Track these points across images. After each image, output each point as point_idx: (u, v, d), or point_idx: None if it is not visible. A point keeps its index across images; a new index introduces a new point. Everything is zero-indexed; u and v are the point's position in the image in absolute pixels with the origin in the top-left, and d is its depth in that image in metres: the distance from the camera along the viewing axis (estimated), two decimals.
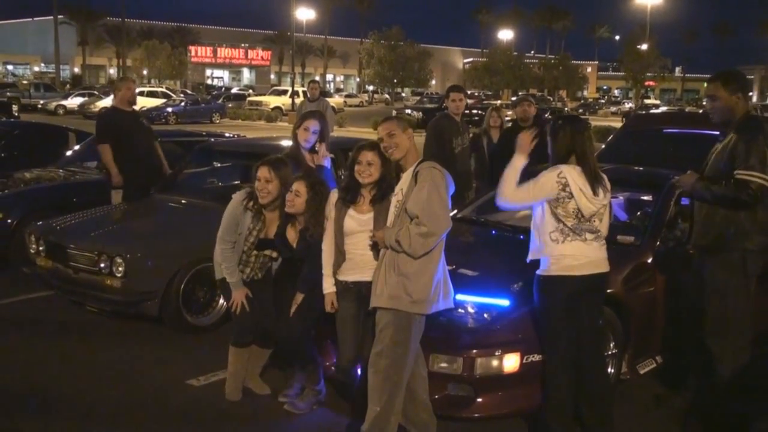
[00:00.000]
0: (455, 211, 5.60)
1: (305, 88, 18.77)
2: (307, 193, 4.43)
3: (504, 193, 4.13)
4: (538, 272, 4.18)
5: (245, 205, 4.61)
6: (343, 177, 6.54)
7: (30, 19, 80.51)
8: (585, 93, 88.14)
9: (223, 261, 4.63)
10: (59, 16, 66.55)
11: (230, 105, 45.40)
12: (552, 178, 4.06)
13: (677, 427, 4.61)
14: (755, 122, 4.33)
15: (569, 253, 4.07)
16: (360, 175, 4.11)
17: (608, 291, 4.50)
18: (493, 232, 4.95)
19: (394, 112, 37.97)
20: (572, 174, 4.05)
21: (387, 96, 71.18)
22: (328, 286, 4.27)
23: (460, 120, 7.68)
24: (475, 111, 34.61)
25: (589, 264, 4.09)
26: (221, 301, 5.97)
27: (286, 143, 7.05)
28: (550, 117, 5.75)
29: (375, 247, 4.09)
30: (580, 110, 56.93)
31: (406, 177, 3.99)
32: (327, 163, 5.36)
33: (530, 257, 4.24)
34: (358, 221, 4.16)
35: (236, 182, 7.18)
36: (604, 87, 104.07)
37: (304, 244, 4.42)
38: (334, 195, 4.29)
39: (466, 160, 7.65)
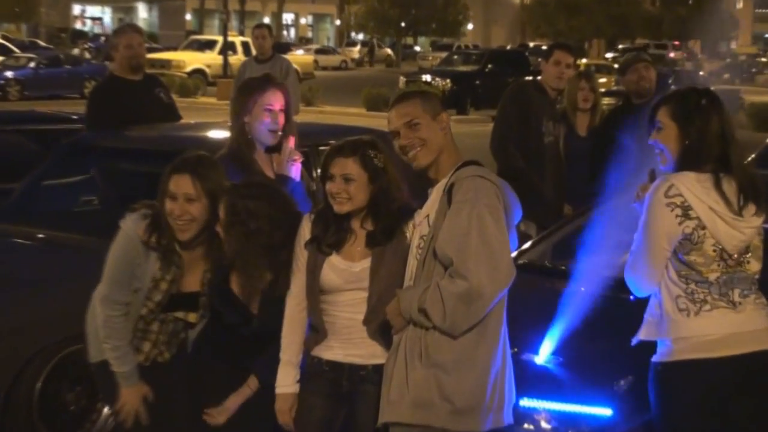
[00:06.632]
0: (518, 253, 4.04)
1: (248, 39, 14.67)
2: (225, 217, 2.97)
3: (630, 276, 3.13)
4: (655, 358, 3.07)
5: (146, 241, 3.12)
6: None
7: None
8: (733, 46, 75.67)
9: (108, 336, 3.13)
10: None
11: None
12: (660, 202, 2.90)
13: None
14: None
15: (709, 330, 2.97)
16: (333, 197, 2.83)
17: None
18: (581, 288, 3.68)
19: (402, 80, 23.70)
20: (688, 183, 2.91)
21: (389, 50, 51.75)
22: (286, 382, 2.90)
23: (557, 98, 5.52)
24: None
25: (740, 339, 2.98)
26: (106, 408, 4.04)
27: (222, 135, 4.63)
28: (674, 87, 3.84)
29: (373, 314, 2.81)
30: (725, 75, 38.35)
31: (435, 194, 2.79)
32: (295, 172, 3.64)
33: (641, 336, 3.11)
34: (345, 274, 2.87)
35: (131, 201, 4.40)
36: (766, 35, 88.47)
37: (271, 307, 2.97)
38: (306, 223, 2.94)
39: (558, 161, 5.47)
